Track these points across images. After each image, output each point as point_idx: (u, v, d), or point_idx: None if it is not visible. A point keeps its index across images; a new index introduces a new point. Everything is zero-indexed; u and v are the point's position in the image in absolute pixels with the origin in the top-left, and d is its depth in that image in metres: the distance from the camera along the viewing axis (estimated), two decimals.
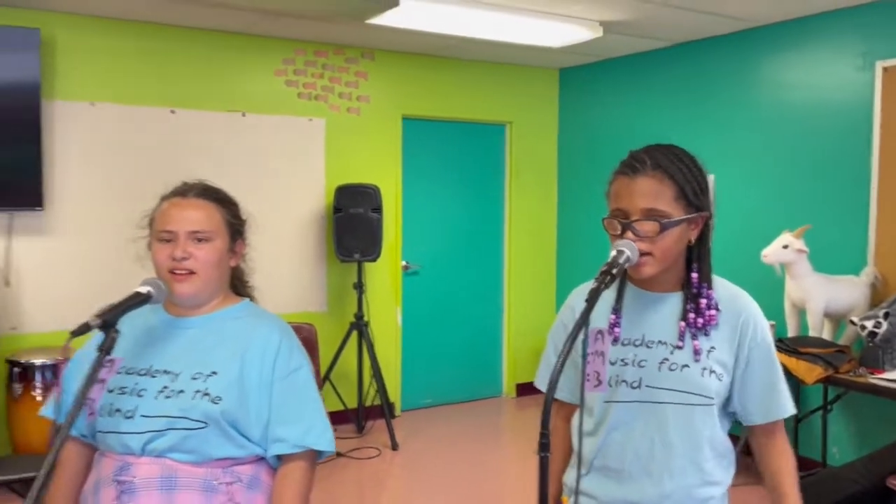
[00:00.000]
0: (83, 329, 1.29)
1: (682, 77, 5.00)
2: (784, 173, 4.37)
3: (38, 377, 3.86)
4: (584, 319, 1.26)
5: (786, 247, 3.73)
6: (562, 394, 1.64)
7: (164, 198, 1.55)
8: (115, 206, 4.37)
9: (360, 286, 4.94)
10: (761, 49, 4.49)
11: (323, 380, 4.81)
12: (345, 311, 5.14)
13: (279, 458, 1.50)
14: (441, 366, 5.70)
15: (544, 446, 1.16)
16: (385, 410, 4.91)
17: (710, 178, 4.78)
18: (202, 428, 1.41)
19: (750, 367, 1.47)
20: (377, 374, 4.91)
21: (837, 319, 3.87)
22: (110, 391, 1.45)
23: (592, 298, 1.29)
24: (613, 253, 1.39)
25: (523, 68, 5.82)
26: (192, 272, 1.47)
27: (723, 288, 1.51)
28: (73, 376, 1.48)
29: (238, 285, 1.64)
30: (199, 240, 1.49)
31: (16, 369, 3.86)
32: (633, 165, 1.42)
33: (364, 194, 4.86)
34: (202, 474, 1.42)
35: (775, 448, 1.51)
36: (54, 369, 3.89)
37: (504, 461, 4.73)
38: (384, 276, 5.35)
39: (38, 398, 3.85)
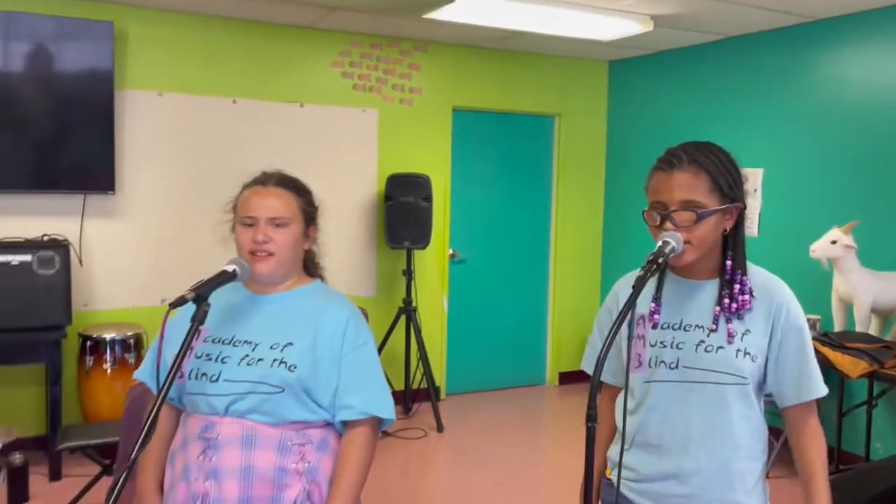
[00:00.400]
0: (180, 301, 1.45)
1: (733, 71, 5.00)
2: (834, 169, 4.36)
3: (108, 351, 4.12)
4: (630, 305, 1.37)
5: (834, 242, 3.75)
6: (606, 376, 1.76)
7: (246, 186, 1.70)
8: (180, 192, 4.61)
9: (409, 273, 5.09)
10: (814, 44, 4.47)
11: None
12: (393, 297, 5.30)
13: (345, 423, 1.65)
14: (486, 352, 5.83)
15: (591, 417, 1.28)
16: (431, 393, 5.07)
17: (759, 172, 4.81)
18: (279, 393, 1.56)
19: (782, 349, 1.56)
20: (424, 358, 5.07)
21: (885, 315, 3.88)
22: (198, 357, 1.62)
23: (639, 285, 1.40)
24: (659, 243, 1.49)
25: (573, 60, 5.88)
26: (270, 254, 1.63)
27: (757, 275, 1.60)
28: (166, 344, 1.65)
29: (310, 266, 1.79)
30: (277, 225, 1.64)
31: (88, 343, 4.12)
32: (670, 161, 1.53)
33: (415, 183, 5.00)
34: (278, 435, 1.58)
35: (807, 430, 1.60)
36: (123, 344, 4.15)
37: (546, 446, 4.85)
38: (432, 264, 5.49)
39: (108, 371, 4.11)
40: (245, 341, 1.62)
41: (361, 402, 1.63)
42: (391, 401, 1.67)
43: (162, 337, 1.50)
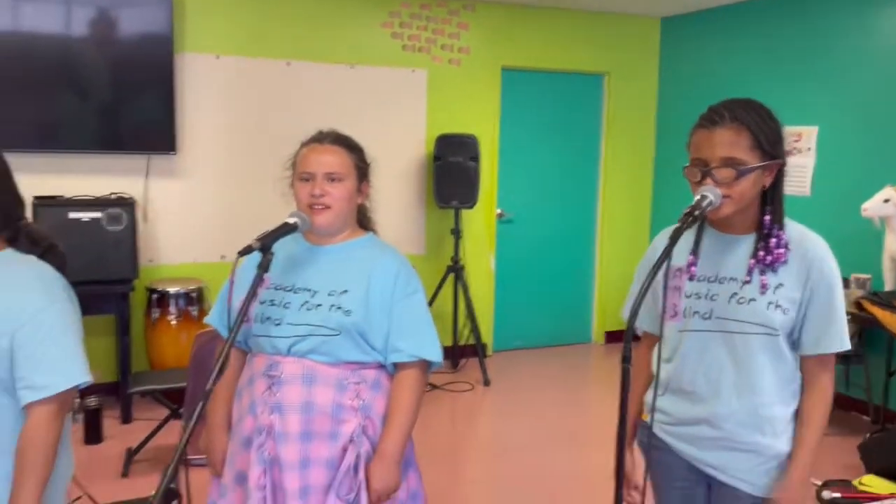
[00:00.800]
0: (247, 250, 1.58)
1: (788, 27, 4.89)
2: (889, 127, 4.26)
3: (172, 303, 4.35)
4: (665, 254, 1.44)
5: (887, 201, 3.70)
6: (644, 325, 1.85)
7: (304, 144, 1.82)
8: (237, 152, 4.78)
9: (456, 232, 5.20)
10: None
11: None
12: (442, 255, 5.42)
13: (396, 365, 1.78)
14: (532, 310, 5.93)
15: (626, 358, 1.37)
16: (478, 349, 5.20)
17: (814, 131, 4.73)
18: (336, 335, 1.69)
19: (811, 301, 1.61)
20: (471, 315, 5.20)
21: None
22: (262, 303, 1.76)
23: (675, 237, 1.47)
24: (697, 197, 1.55)
25: (623, 17, 5.81)
26: (327, 207, 1.74)
27: (794, 230, 1.65)
28: (235, 290, 1.80)
29: (363, 220, 1.90)
30: (333, 180, 1.75)
31: (154, 296, 4.36)
32: (712, 118, 1.57)
33: (463, 144, 5.07)
34: (335, 374, 1.71)
35: (817, 385, 1.64)
36: (186, 297, 4.37)
37: (590, 402, 4.95)
38: (479, 223, 5.58)
39: (173, 322, 4.35)
40: (305, 289, 1.75)
41: (411, 346, 1.75)
42: (438, 345, 1.79)
43: (231, 283, 1.64)
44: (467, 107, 5.42)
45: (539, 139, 5.79)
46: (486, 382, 5.07)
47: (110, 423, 4.16)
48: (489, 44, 5.44)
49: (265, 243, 1.60)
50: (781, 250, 1.61)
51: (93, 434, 3.97)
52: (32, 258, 1.66)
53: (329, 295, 1.72)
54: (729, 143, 1.54)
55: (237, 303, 1.77)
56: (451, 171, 5.06)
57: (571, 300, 6.10)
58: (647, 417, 1.83)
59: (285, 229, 1.68)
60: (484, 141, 5.36)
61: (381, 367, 1.78)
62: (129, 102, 4.39)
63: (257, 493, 1.70)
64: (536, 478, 3.66)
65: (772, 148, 1.57)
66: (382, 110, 5.15)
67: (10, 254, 1.64)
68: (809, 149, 4.75)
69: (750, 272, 1.62)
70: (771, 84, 4.98)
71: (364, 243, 1.84)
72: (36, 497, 1.54)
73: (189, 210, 4.69)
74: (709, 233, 1.71)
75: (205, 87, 4.66)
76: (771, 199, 1.63)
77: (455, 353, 5.37)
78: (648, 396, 1.83)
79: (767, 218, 1.62)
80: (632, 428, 1.87)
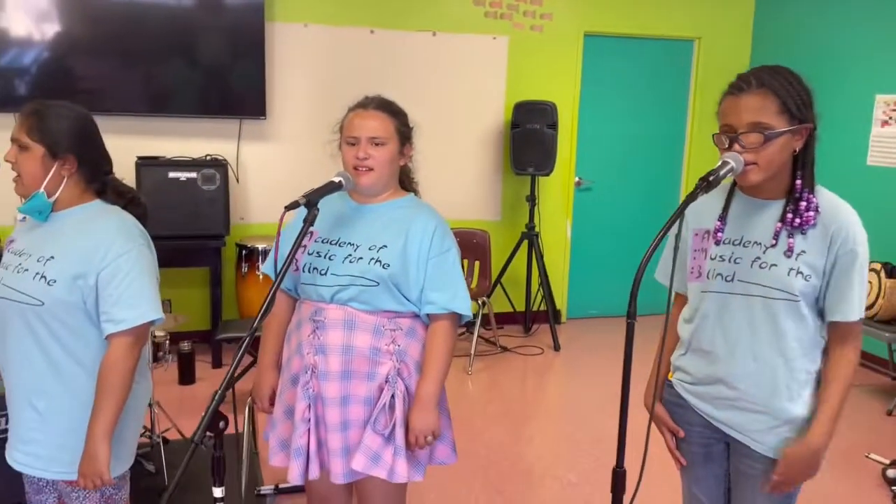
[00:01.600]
0: (294, 205, 1.75)
1: None
2: None
3: (260, 259, 4.66)
4: (677, 215, 1.49)
5: None
6: (678, 286, 1.90)
7: (350, 109, 1.96)
8: (323, 117, 4.98)
9: (532, 199, 5.25)
10: None
11: (494, 283, 5.27)
12: (517, 222, 5.50)
13: (430, 316, 1.91)
14: (608, 279, 5.92)
15: (631, 314, 1.45)
16: (550, 315, 5.28)
17: None
18: (375, 286, 1.84)
19: (834, 268, 1.61)
20: (545, 281, 5.27)
21: None
22: (310, 254, 1.93)
23: (686, 201, 1.52)
24: (719, 163, 1.59)
25: None
26: (370, 169, 1.88)
27: (826, 197, 1.65)
28: (285, 243, 1.97)
29: (405, 181, 2.03)
30: (376, 144, 1.89)
31: (243, 252, 4.68)
32: (739, 85, 1.59)
33: (541, 111, 5.09)
34: (373, 321, 1.87)
35: (839, 353, 1.65)
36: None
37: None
38: (556, 190, 5.61)
39: (260, 276, 4.66)
40: (348, 243, 1.90)
41: (443, 299, 1.87)
42: (469, 300, 1.91)
43: (279, 234, 1.82)
44: (548, 74, 5.42)
45: (621, 107, 5.72)
46: (557, 348, 5.15)
47: (202, 366, 4.53)
48: (572, 10, 5.40)
49: (310, 199, 1.76)
50: (811, 213, 1.61)
51: (186, 376, 4.35)
52: (117, 209, 1.89)
53: (369, 249, 1.87)
54: (756, 108, 1.56)
55: (284, 252, 1.96)
56: (528, 138, 5.11)
57: (649, 270, 6.02)
58: (672, 377, 1.90)
59: (330, 187, 1.84)
60: (564, 108, 5.36)
61: (417, 316, 1.92)
62: (224, 69, 4.68)
63: (302, 426, 1.89)
64: (589, 441, 3.74)
65: (800, 112, 1.58)
66: (462, 77, 5.24)
67: (98, 204, 1.88)
68: None
69: (776, 235, 1.64)
70: (869, 49, 4.72)
71: (404, 203, 1.97)
72: (114, 414, 1.79)
73: (277, 172, 4.97)
74: (738, 197, 1.74)
75: (293, 55, 4.89)
76: (802, 164, 1.63)
77: (527, 318, 5.46)
78: (674, 357, 1.89)
79: (798, 182, 1.63)
80: (660, 386, 1.93)
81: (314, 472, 1.89)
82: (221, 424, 1.58)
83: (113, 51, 4.44)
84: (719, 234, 1.72)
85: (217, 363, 4.59)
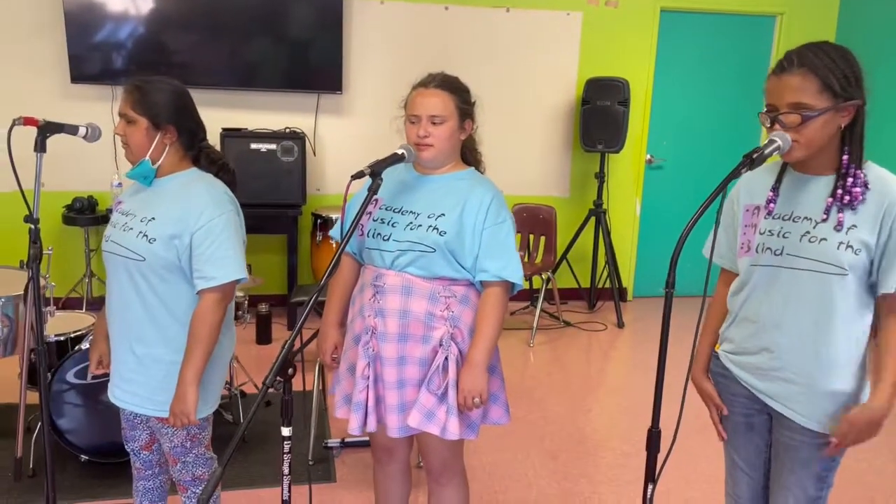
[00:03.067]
0: (359, 174, 1.88)
1: None
2: None
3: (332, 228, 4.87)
4: (719, 189, 1.54)
5: None
6: (723, 261, 1.95)
7: (413, 87, 2.07)
8: (397, 92, 5.12)
9: (601, 175, 5.27)
10: None
11: (560, 259, 5.33)
12: (585, 198, 5.53)
13: (483, 284, 2.02)
14: (679, 258, 5.86)
15: (669, 284, 1.53)
16: (614, 293, 5.31)
17: None
18: (432, 252, 1.97)
19: (887, 244, 1.63)
20: (611, 259, 5.29)
21: None
22: (374, 220, 2.07)
23: (729, 177, 1.56)
24: (766, 141, 1.63)
25: None
26: (430, 145, 2.00)
27: (875, 172, 1.66)
28: (351, 210, 2.12)
29: (468, 154, 2.14)
30: (435, 123, 2.00)
31: (318, 221, 4.90)
32: (781, 65, 1.62)
33: (612, 87, 5.08)
34: (429, 287, 1.99)
35: (890, 322, 1.67)
36: None
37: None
38: (626, 168, 5.59)
39: (333, 245, 4.88)
40: (410, 211, 2.03)
41: (496, 267, 1.98)
42: (521, 269, 2.01)
43: (345, 201, 1.96)
44: (621, 50, 5.39)
45: (697, 85, 5.63)
46: (620, 325, 5.19)
47: (278, 328, 4.80)
48: None
49: (375, 170, 1.90)
50: (858, 189, 1.64)
51: (263, 336, 4.63)
52: (210, 176, 2.09)
53: (428, 217, 2.00)
54: (796, 88, 1.59)
55: (350, 219, 2.11)
56: (598, 114, 5.12)
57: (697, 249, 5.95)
58: (719, 348, 1.96)
59: (394, 158, 1.97)
60: (637, 85, 5.33)
61: (471, 285, 2.04)
62: (304, 46, 4.88)
63: (362, 382, 2.04)
64: (644, 414, 3.78)
65: (844, 90, 1.59)
66: (535, 53, 5.27)
67: (194, 171, 2.08)
68: None
69: (827, 210, 1.67)
70: None
71: (464, 175, 2.08)
72: (202, 361, 1.99)
73: (351, 145, 5.16)
74: (789, 173, 1.77)
75: (369, 31, 5.04)
76: (850, 140, 1.65)
77: (592, 295, 5.51)
78: (722, 329, 1.95)
79: (846, 158, 1.66)
80: (706, 357, 1.99)
81: (371, 425, 2.05)
82: (290, 371, 1.75)
83: (202, 26, 4.69)
84: (772, 206, 1.76)
85: (292, 325, 4.85)
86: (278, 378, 1.72)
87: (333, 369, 2.27)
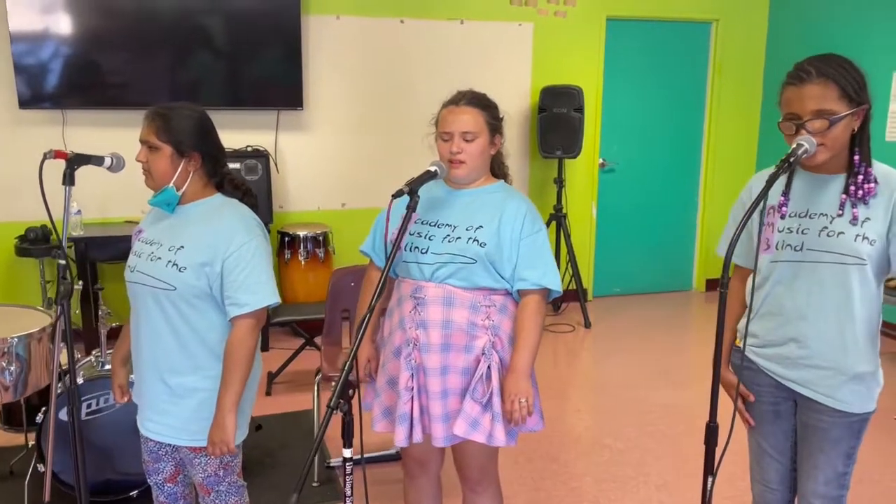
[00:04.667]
0: (398, 193, 1.90)
1: None
2: None
3: (301, 246, 4.82)
4: (762, 196, 1.65)
5: None
6: (739, 259, 2.08)
7: (444, 105, 2.11)
8: (356, 107, 5.15)
9: (559, 181, 5.42)
10: None
11: None
12: (545, 203, 5.66)
13: (520, 293, 2.08)
14: (633, 258, 6.11)
15: (724, 284, 1.62)
16: (579, 294, 5.46)
17: None
18: (472, 263, 2.01)
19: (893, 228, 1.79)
20: (573, 261, 5.44)
21: None
22: (410, 234, 2.09)
23: (771, 180, 1.68)
24: (794, 146, 1.75)
25: None
26: (462, 162, 2.05)
27: (881, 168, 1.83)
28: (382, 224, 2.16)
29: (496, 167, 2.19)
30: (468, 140, 2.05)
31: (285, 239, 4.84)
32: (799, 76, 1.75)
33: (568, 95, 5.24)
34: (470, 297, 2.04)
35: None
36: (314, 240, 4.83)
37: (687, 345, 5.14)
38: (582, 173, 5.77)
39: (302, 262, 4.83)
40: (446, 224, 2.07)
41: (535, 275, 2.04)
42: (558, 276, 2.08)
43: (388, 219, 1.99)
44: (572, 58, 5.56)
45: (643, 89, 5.87)
46: (587, 325, 5.34)
47: None
48: None
49: (412, 188, 1.92)
50: (871, 185, 1.79)
51: None
52: (236, 202, 2.06)
53: (466, 229, 2.04)
54: (818, 96, 1.72)
55: (390, 235, 2.13)
56: (555, 122, 5.26)
57: (672, 248, 6.23)
58: (740, 343, 2.07)
59: (427, 176, 2.00)
60: (588, 92, 5.51)
61: (508, 294, 2.09)
62: (262, 62, 4.81)
63: (406, 394, 2.06)
64: (631, 411, 3.94)
65: (857, 95, 1.74)
66: (489, 64, 5.38)
67: (220, 198, 2.05)
68: None
69: (842, 206, 1.82)
70: (886, 28, 4.87)
71: (495, 188, 2.13)
72: (240, 389, 1.97)
73: (314, 161, 5.12)
74: (800, 174, 1.91)
75: (326, 47, 5.03)
76: (859, 141, 1.81)
77: (557, 297, 5.63)
78: (741, 324, 2.07)
79: (857, 158, 1.81)
80: (727, 352, 2.11)
81: (418, 436, 2.07)
82: (351, 392, 1.75)
83: (158, 46, 4.57)
84: (784, 209, 1.89)
85: (265, 346, 4.77)
86: (341, 400, 1.72)
87: (366, 384, 2.28)
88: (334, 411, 1.68)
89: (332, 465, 3.29)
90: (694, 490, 3.12)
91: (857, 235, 1.79)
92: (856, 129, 1.79)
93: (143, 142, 1.98)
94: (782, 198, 1.90)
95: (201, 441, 2.03)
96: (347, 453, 1.80)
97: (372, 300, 1.81)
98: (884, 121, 4.93)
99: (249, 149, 4.81)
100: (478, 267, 2.02)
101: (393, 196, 1.92)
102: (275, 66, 4.83)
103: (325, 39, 5.02)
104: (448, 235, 2.04)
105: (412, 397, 2.06)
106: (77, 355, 3.18)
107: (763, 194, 1.66)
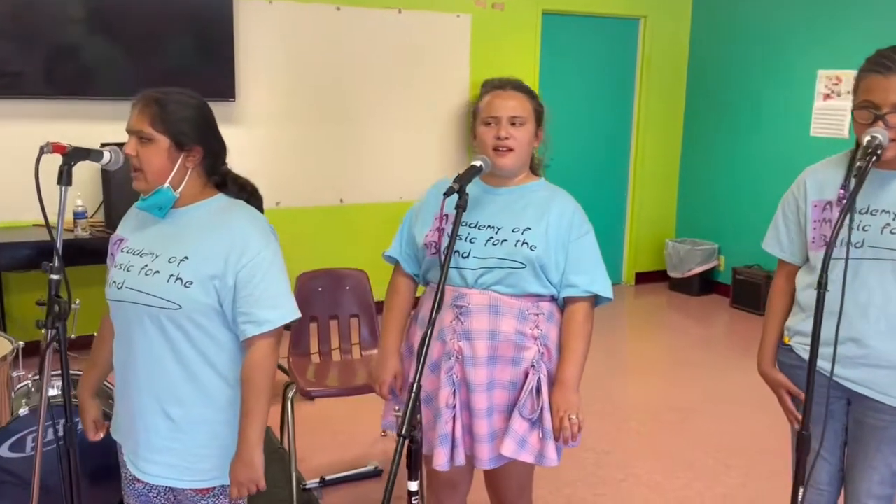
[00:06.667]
0: (450, 191, 1.70)
1: None
2: None
3: None
4: (856, 190, 1.58)
5: None
6: (785, 255, 2.00)
7: (485, 91, 1.91)
8: (291, 98, 4.81)
9: None
10: None
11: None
12: None
13: (566, 299, 1.91)
14: None
15: (822, 284, 1.54)
16: None
17: (853, 74, 4.86)
18: (522, 268, 1.83)
19: None
20: None
21: None
22: (448, 236, 1.88)
23: (861, 177, 1.60)
24: (868, 138, 1.69)
25: None
26: (510, 149, 1.86)
27: None
28: (413, 224, 1.96)
29: (534, 165, 2.02)
30: (515, 124, 1.87)
31: None
32: (885, 64, 1.69)
33: None
34: (518, 305, 1.85)
35: None
36: None
37: (621, 341, 5.18)
38: None
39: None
40: (489, 225, 1.87)
41: (584, 281, 1.89)
42: (609, 281, 1.93)
43: (441, 220, 1.78)
44: (510, 52, 5.46)
45: (576, 84, 5.86)
46: None
47: None
48: None
49: (461, 185, 1.72)
50: None
51: None
52: (243, 203, 1.77)
53: (513, 231, 1.85)
54: None
55: (418, 236, 1.92)
56: None
57: (602, 242, 6.17)
58: (788, 341, 2.01)
59: (474, 171, 1.80)
60: None
61: (553, 300, 1.93)
62: (191, 50, 4.39)
63: (447, 412, 1.86)
64: (614, 408, 3.88)
65: None
66: (428, 55, 5.19)
67: (223, 198, 1.75)
68: (848, 92, 4.90)
69: None
70: (810, 27, 5.09)
71: (538, 186, 1.96)
72: (265, 418, 1.69)
73: (247, 156, 4.73)
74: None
75: (258, 34, 4.66)
76: None
77: None
78: (790, 321, 2.00)
79: None
80: (773, 348, 2.03)
81: (460, 459, 1.87)
82: (419, 416, 1.54)
83: (57, 26, 4.06)
84: (844, 202, 1.83)
85: None
86: (413, 427, 1.51)
87: (389, 401, 2.05)
88: (405, 440, 1.46)
89: (307, 486, 3.01)
90: (689, 489, 3.09)
91: None
92: None
93: (132, 132, 1.66)
94: (841, 191, 1.84)
95: (209, 481, 1.74)
96: (413, 486, 1.58)
97: (432, 314, 1.58)
98: (809, 117, 5.15)
99: None
100: (527, 272, 1.84)
101: (445, 194, 1.72)
102: (206, 55, 4.43)
103: (257, 26, 4.65)
104: (492, 238, 1.85)
105: (454, 415, 1.86)
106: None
107: (856, 190, 1.58)
